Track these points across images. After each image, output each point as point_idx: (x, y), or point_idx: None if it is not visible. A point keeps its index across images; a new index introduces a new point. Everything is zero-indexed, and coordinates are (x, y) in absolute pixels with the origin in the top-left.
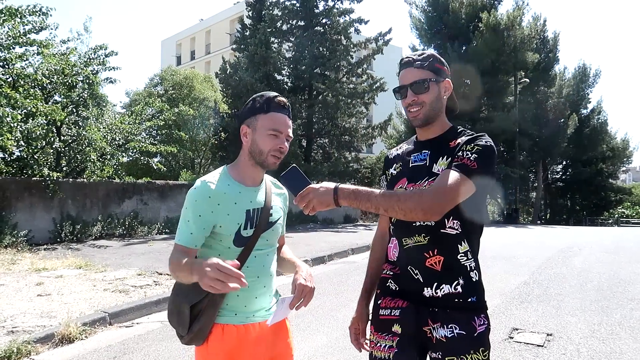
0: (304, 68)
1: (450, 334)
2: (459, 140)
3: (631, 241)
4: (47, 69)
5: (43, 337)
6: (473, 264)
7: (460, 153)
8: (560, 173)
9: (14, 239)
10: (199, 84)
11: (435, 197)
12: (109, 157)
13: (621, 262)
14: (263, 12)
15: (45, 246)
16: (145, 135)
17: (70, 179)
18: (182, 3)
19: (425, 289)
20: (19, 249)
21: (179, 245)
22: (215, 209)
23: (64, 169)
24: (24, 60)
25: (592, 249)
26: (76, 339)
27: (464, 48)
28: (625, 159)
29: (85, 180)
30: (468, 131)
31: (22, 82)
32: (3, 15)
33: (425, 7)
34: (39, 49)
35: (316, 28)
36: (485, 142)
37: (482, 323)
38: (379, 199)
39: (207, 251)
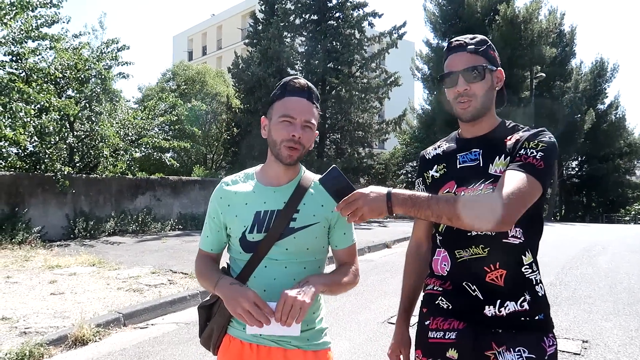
0: (317, 62)
1: (518, 358)
2: (517, 137)
3: None
4: (60, 64)
5: (56, 339)
6: (538, 277)
7: (522, 151)
8: (576, 169)
9: (28, 235)
10: (211, 79)
11: (509, 204)
12: (121, 152)
13: None
14: (276, 6)
15: (58, 242)
16: (157, 130)
17: (84, 175)
18: None
19: (486, 307)
20: (33, 245)
21: (199, 249)
22: (225, 210)
23: (77, 164)
24: (37, 55)
25: (616, 247)
26: (90, 340)
27: None
28: None
29: (98, 176)
30: (520, 125)
31: (35, 77)
32: (15, 8)
33: (440, 1)
34: (51, 42)
35: (329, 22)
36: (549, 138)
37: (551, 344)
38: (442, 206)
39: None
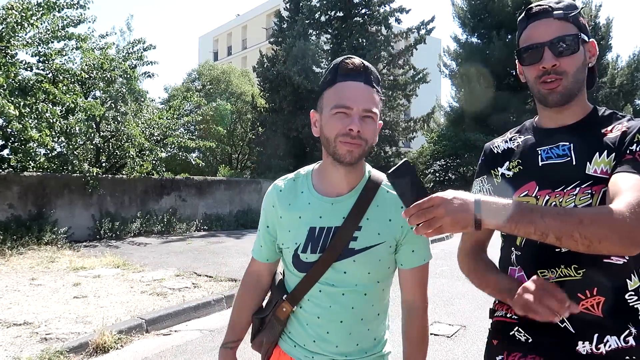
0: None
1: None
2: (621, 127)
3: None
4: (86, 64)
5: (76, 346)
6: None
7: (635, 147)
8: None
9: (54, 236)
10: (236, 79)
11: (638, 218)
12: (147, 152)
13: None
14: (301, 4)
15: (84, 243)
16: (183, 130)
17: (109, 175)
18: None
19: (580, 343)
20: (59, 246)
21: (252, 259)
22: (279, 223)
23: (104, 165)
24: (64, 56)
25: None
26: (111, 348)
27: (509, 37)
28: None
29: (123, 176)
30: (619, 113)
31: (61, 78)
32: (41, 9)
33: None
34: (77, 42)
35: (355, 19)
36: None
37: None
38: (549, 222)
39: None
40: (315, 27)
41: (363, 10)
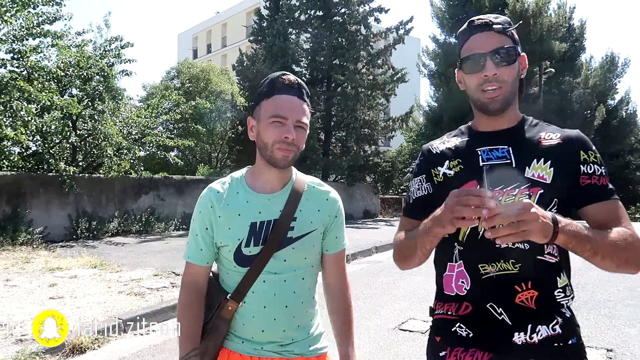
0: (323, 59)
1: None
2: (555, 137)
3: None
4: (62, 62)
5: (53, 347)
6: (569, 303)
7: (587, 168)
8: None
9: (30, 236)
10: (216, 77)
11: None
12: (125, 151)
13: None
14: (281, 2)
15: (61, 243)
16: (162, 129)
17: (86, 175)
18: None
19: (515, 334)
20: (35, 246)
21: (190, 264)
22: (217, 222)
23: (80, 164)
24: (39, 53)
25: None
26: (88, 348)
27: None
28: None
29: (101, 175)
30: (544, 122)
31: (36, 75)
32: (16, 5)
33: None
34: (53, 40)
35: (335, 18)
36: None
37: None
38: (601, 243)
39: (218, 266)
40: (295, 26)
41: (342, 10)
